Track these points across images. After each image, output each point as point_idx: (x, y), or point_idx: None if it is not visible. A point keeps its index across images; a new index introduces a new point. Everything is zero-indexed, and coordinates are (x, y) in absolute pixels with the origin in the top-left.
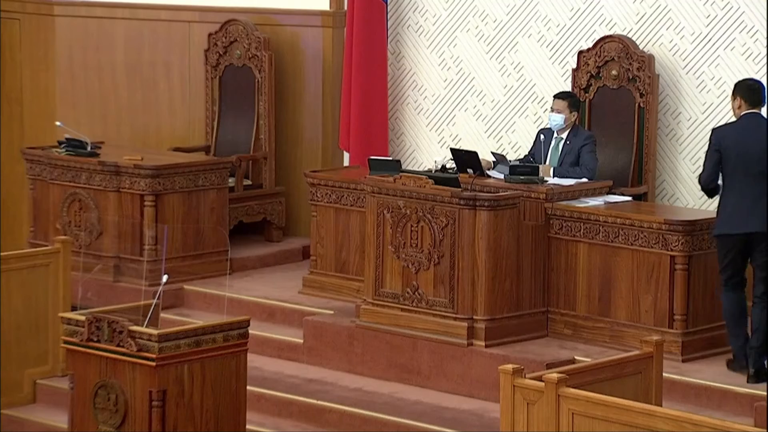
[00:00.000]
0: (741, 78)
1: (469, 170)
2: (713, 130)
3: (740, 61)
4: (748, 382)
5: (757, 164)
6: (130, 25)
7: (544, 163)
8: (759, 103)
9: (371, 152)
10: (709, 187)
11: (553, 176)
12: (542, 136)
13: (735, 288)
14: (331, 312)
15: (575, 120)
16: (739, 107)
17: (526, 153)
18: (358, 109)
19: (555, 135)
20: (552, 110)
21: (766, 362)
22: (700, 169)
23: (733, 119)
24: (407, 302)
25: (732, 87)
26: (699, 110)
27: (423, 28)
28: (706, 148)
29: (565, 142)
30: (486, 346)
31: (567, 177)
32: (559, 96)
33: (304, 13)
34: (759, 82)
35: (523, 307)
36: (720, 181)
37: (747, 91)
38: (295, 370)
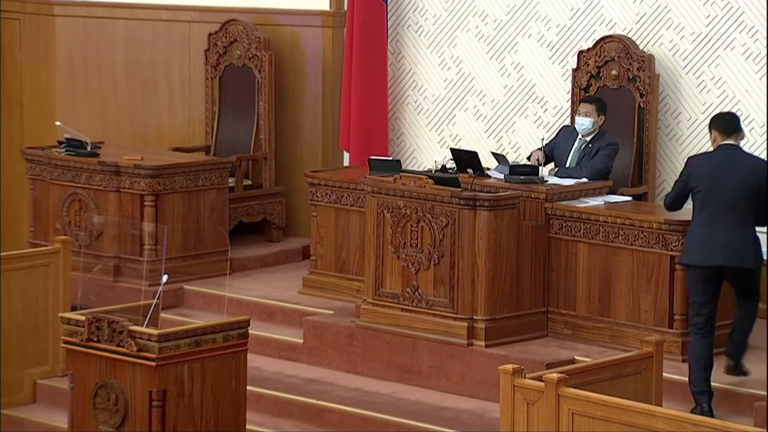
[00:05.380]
0: (740, 78)
1: (469, 170)
2: (688, 158)
3: (740, 61)
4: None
5: (732, 197)
6: (130, 25)
7: (567, 163)
8: (733, 132)
9: (371, 152)
10: (672, 210)
11: (554, 176)
12: (562, 134)
13: (707, 335)
14: (331, 312)
15: (602, 124)
16: (714, 140)
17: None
18: (358, 109)
19: (579, 137)
20: (579, 114)
21: (743, 358)
22: None
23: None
24: (407, 302)
25: (732, 87)
26: (699, 110)
27: (423, 28)
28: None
29: (587, 144)
30: (486, 346)
31: (567, 177)
32: (586, 100)
33: (304, 13)
34: (730, 113)
35: (523, 307)
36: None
37: (719, 122)
38: (295, 370)
